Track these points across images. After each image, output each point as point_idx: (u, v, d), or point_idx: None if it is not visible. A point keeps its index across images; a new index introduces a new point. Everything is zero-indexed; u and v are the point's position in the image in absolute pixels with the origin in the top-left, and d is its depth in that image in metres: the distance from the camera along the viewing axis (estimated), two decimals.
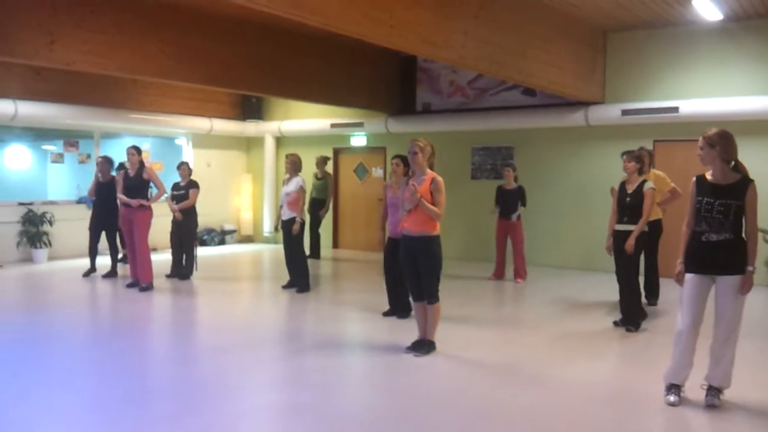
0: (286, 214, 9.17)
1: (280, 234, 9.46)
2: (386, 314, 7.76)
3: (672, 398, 4.84)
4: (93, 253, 10.32)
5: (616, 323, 7.27)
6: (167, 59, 9.15)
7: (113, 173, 10.30)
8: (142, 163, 9.43)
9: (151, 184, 9.44)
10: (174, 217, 10.16)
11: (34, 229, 11.75)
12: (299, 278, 9.32)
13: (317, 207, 12.66)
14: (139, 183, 9.28)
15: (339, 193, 14.50)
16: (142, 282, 9.22)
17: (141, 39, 8.83)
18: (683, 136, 10.32)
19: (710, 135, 4.80)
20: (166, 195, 9.89)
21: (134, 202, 9.15)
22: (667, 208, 8.32)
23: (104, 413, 4.66)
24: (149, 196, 9.41)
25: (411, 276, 6.13)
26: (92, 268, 10.31)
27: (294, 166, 9.25)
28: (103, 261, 10.44)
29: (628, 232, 7.00)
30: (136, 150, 9.47)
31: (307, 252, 12.03)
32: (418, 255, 5.99)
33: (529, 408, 4.78)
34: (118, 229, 10.31)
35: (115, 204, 9.88)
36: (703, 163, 4.88)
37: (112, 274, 10.18)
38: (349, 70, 11.84)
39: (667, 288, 8.47)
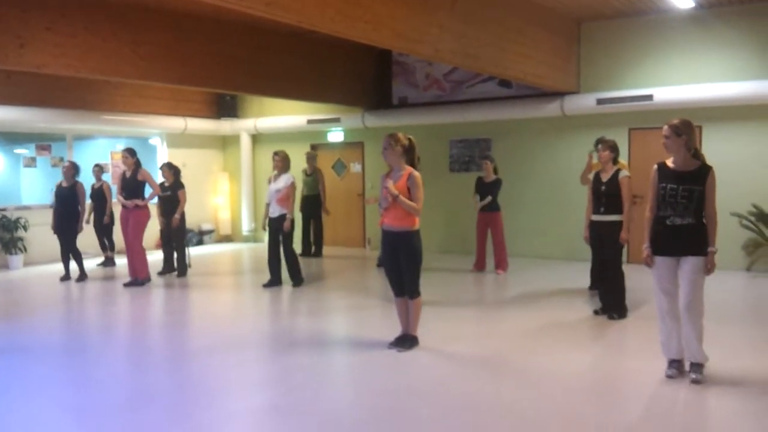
0: (276, 211, 9.14)
1: (260, 232, 9.42)
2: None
3: (669, 372, 5.14)
4: (65, 258, 10.23)
5: (596, 312, 7.31)
6: (140, 60, 9.04)
7: (77, 179, 10.22)
8: (137, 165, 9.69)
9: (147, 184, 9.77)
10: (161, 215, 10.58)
11: (8, 235, 11.58)
12: (293, 273, 9.42)
13: (309, 204, 12.61)
14: (134, 184, 9.62)
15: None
16: (131, 276, 9.68)
17: (113, 40, 8.72)
18: (658, 124, 10.23)
19: (676, 124, 5.04)
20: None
21: (129, 203, 9.55)
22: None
23: (90, 421, 4.60)
24: (144, 196, 9.72)
25: (391, 271, 6.13)
26: (67, 274, 10.21)
27: (284, 162, 9.27)
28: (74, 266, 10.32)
29: (607, 223, 7.05)
30: (130, 153, 9.72)
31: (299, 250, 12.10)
32: (399, 250, 5.99)
33: (513, 400, 4.80)
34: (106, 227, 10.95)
35: (77, 209, 10.08)
36: (668, 151, 5.12)
37: (82, 277, 10.14)
38: (325, 66, 11.78)
39: (637, 274, 8.56)
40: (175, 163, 11.13)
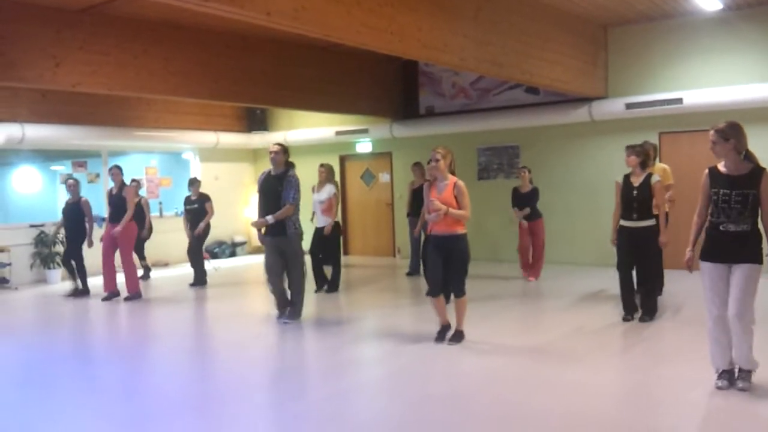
0: (322, 222, 9.49)
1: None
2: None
3: (719, 383, 4.94)
4: (83, 273, 10.31)
5: (626, 319, 7.22)
6: (171, 76, 9.24)
7: (81, 195, 10.31)
8: (123, 183, 9.83)
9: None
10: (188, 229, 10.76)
11: (46, 250, 11.84)
12: (333, 279, 9.70)
13: None
14: (120, 201, 9.72)
15: (347, 200, 14.55)
16: (129, 292, 9.72)
17: (144, 57, 8.93)
18: (688, 127, 10.33)
19: (723, 128, 4.84)
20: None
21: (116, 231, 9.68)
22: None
23: (126, 428, 4.70)
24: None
25: (435, 273, 6.42)
26: (85, 289, 10.31)
27: (328, 174, 9.77)
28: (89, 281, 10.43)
29: (641, 228, 6.97)
30: (119, 169, 9.90)
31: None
32: (449, 253, 6.30)
33: (546, 407, 4.78)
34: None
35: (82, 225, 10.11)
36: (717, 157, 4.93)
37: (84, 292, 10.18)
38: (352, 78, 11.90)
39: (670, 278, 8.52)
40: (208, 176, 11.34)
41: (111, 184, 10.06)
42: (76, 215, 10.15)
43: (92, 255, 10.44)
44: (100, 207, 11.86)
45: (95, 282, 10.29)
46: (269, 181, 7.67)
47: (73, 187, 10.25)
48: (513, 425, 4.48)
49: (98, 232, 10.34)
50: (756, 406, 4.64)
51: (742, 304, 4.77)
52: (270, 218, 7.42)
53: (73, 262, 10.22)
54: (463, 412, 4.72)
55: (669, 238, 7.11)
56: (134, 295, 9.71)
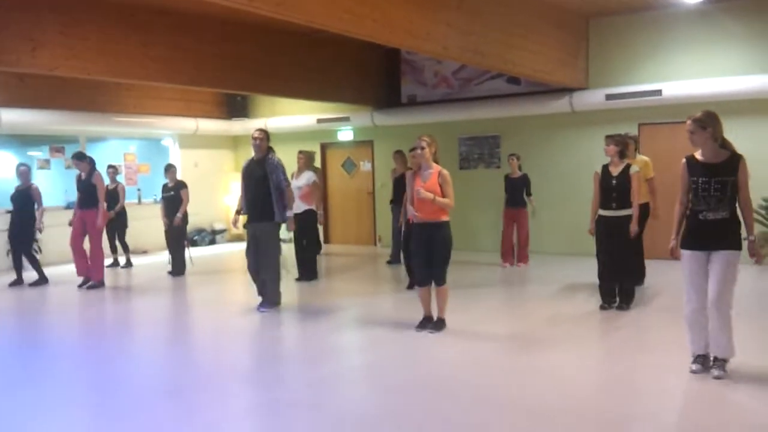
0: (300, 207, 9.42)
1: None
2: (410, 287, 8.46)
3: (694, 366, 5.04)
4: (17, 262, 10.16)
5: (603, 307, 7.31)
6: (151, 62, 9.15)
7: (32, 181, 10.19)
8: (93, 169, 9.72)
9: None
10: (165, 216, 10.67)
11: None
12: (309, 268, 9.69)
13: None
14: (89, 187, 9.62)
15: (328, 188, 14.52)
16: (94, 280, 9.62)
17: (124, 42, 8.83)
18: (667, 119, 10.41)
19: (700, 117, 4.91)
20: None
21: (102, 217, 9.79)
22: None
23: (104, 416, 4.68)
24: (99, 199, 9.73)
25: (420, 262, 6.47)
26: (19, 279, 10.18)
27: (307, 161, 9.92)
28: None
29: (619, 218, 7.07)
30: (79, 157, 9.85)
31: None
32: (431, 241, 6.32)
33: (527, 394, 4.84)
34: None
35: (30, 213, 9.96)
36: (694, 146, 5.00)
37: (41, 281, 10.07)
38: (334, 65, 11.84)
39: (651, 268, 8.62)
40: (188, 163, 11.25)
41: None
42: (25, 202, 9.96)
43: (60, 243, 10.37)
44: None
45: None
46: (251, 167, 7.76)
47: (24, 173, 10.04)
48: (493, 412, 4.52)
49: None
50: (732, 393, 4.71)
51: (720, 294, 4.83)
52: (290, 213, 7.78)
53: (22, 251, 10.10)
54: (444, 400, 4.75)
55: (636, 230, 7.19)
56: (98, 283, 9.62)
